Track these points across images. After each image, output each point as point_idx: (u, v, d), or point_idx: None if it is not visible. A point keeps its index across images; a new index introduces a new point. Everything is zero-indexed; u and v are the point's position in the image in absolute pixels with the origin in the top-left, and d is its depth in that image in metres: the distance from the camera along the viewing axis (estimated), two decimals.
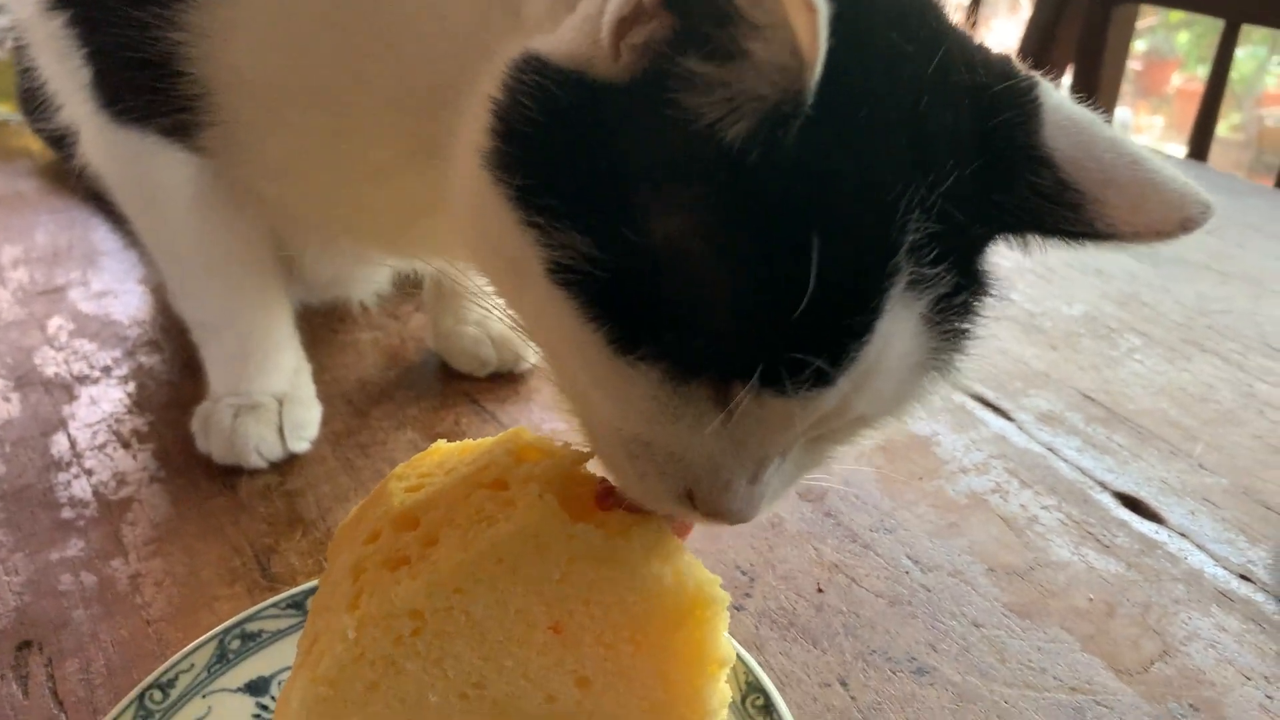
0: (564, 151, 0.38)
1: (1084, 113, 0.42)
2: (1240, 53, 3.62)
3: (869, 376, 0.38)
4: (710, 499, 0.40)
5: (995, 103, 0.41)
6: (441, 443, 0.49)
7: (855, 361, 0.36)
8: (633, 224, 0.36)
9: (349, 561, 0.44)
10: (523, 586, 0.42)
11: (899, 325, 0.37)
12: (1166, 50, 3.89)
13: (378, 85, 0.52)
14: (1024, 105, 0.41)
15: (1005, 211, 0.41)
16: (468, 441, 0.48)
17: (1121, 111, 3.69)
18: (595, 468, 0.45)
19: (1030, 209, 0.41)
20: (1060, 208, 0.40)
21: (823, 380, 0.36)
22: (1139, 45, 3.89)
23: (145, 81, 0.57)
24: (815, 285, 0.34)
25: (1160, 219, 0.40)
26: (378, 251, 0.75)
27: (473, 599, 0.42)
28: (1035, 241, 0.43)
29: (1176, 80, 3.88)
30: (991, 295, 0.45)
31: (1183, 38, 3.78)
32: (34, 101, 0.75)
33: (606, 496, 0.44)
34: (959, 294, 0.39)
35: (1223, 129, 3.61)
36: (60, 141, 0.77)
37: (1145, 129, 3.76)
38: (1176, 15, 3.74)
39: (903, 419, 0.45)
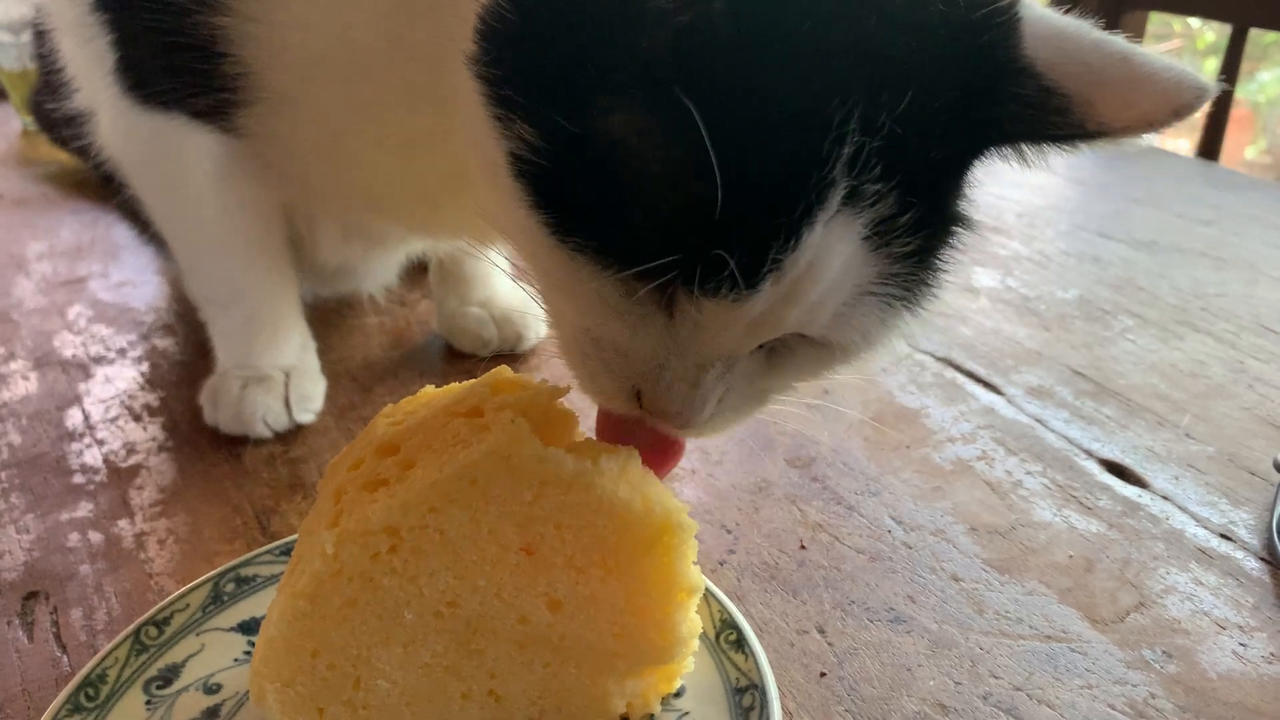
0: (524, 44, 0.40)
1: (1069, 21, 0.42)
2: (1265, 75, 3.61)
3: (801, 288, 0.39)
4: (653, 397, 0.43)
5: (973, 28, 0.41)
6: (429, 387, 0.51)
7: (780, 269, 0.38)
8: (571, 115, 0.38)
9: (332, 487, 0.46)
10: (495, 507, 0.43)
11: (835, 240, 0.38)
12: None
13: (417, 46, 0.54)
14: (1001, 24, 0.41)
15: (989, 127, 0.41)
16: (454, 385, 0.50)
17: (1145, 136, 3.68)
18: (569, 403, 0.47)
19: (1016, 120, 0.41)
20: (1047, 114, 0.40)
21: (747, 283, 0.38)
22: None
23: (184, 64, 0.60)
24: (735, 187, 0.35)
25: (1151, 108, 0.40)
26: (402, 228, 0.77)
27: (447, 518, 0.43)
28: (1030, 153, 0.43)
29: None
30: (967, 229, 0.46)
31: (1210, 65, 3.77)
32: (48, 108, 0.79)
33: (605, 428, 0.47)
34: (905, 215, 0.40)
35: (1250, 153, 3.60)
36: (74, 144, 0.80)
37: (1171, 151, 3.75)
38: (1203, 42, 3.75)
39: (863, 351, 0.46)
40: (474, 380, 0.49)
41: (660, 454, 0.49)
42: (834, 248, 0.39)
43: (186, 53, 0.59)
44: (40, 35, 0.82)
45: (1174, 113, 0.40)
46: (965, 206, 0.46)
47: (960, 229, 0.46)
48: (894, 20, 0.39)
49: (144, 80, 0.65)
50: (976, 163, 0.44)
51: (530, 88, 0.40)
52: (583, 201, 0.39)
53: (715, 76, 0.37)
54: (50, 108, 0.80)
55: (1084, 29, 0.42)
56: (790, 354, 0.45)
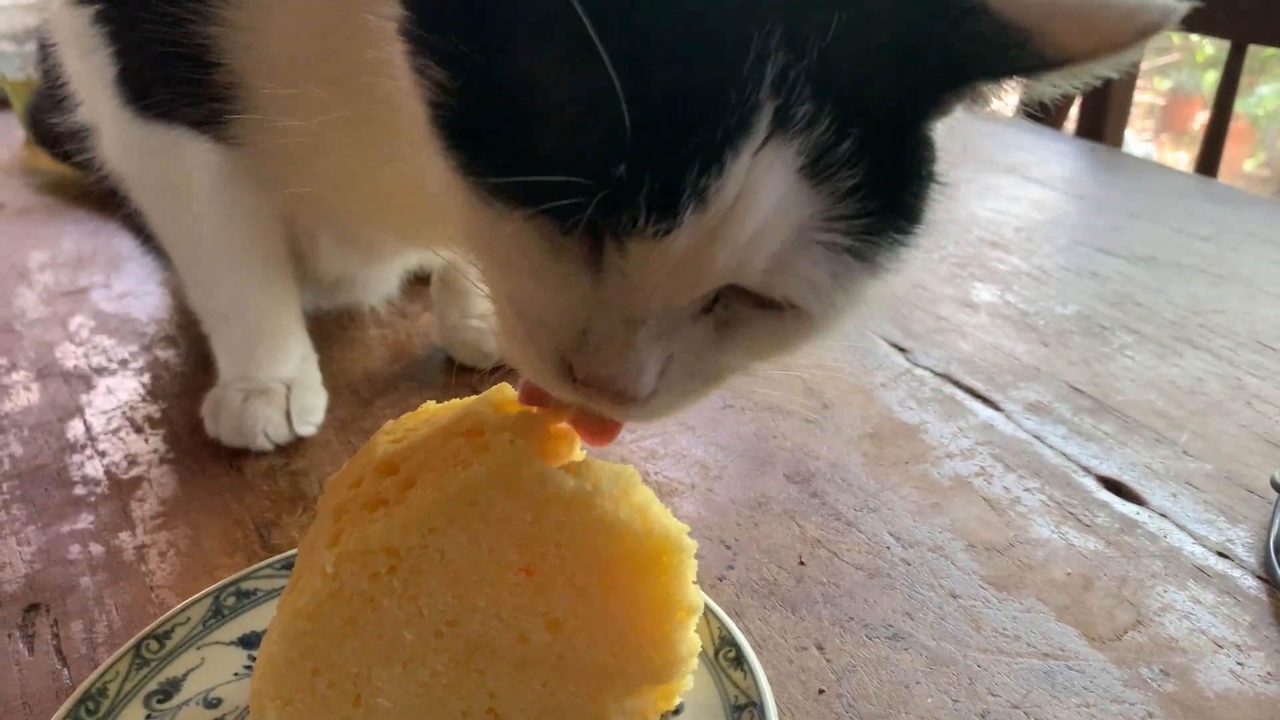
0: None
1: None
2: (1264, 89, 3.62)
3: (730, 223, 0.37)
4: (583, 364, 0.40)
5: None
6: (430, 403, 0.52)
7: (704, 197, 0.35)
8: (474, 44, 0.37)
9: (332, 505, 0.46)
10: (495, 527, 0.44)
11: (765, 170, 0.36)
12: (1191, 88, 3.90)
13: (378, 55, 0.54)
14: None
15: (944, 69, 0.39)
16: (454, 400, 0.51)
17: (1144, 146, 3.70)
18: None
19: (973, 59, 0.39)
20: (1005, 48, 0.38)
21: (663, 211, 0.35)
22: (1163, 84, 3.90)
23: (179, 74, 0.60)
24: (645, 109, 0.34)
25: (1113, 31, 0.38)
26: (395, 238, 0.78)
27: (446, 538, 0.44)
28: (991, 93, 0.41)
29: (1201, 118, 3.88)
30: (933, 186, 0.43)
31: (1209, 78, 3.79)
32: (51, 122, 0.79)
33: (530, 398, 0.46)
34: (843, 143, 0.37)
35: (1249, 166, 3.62)
36: (76, 158, 0.81)
37: (1169, 164, 3.77)
38: (1202, 55, 3.76)
39: (820, 315, 0.42)
40: (475, 397, 0.49)
41: (592, 430, 0.47)
42: (764, 178, 0.36)
43: (182, 62, 0.60)
44: (45, 49, 0.82)
45: (1139, 32, 0.38)
46: (932, 165, 0.43)
47: (925, 186, 0.42)
48: None
49: (143, 92, 0.65)
50: (937, 110, 0.41)
51: (436, 24, 0.39)
52: (493, 137, 0.38)
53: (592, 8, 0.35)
54: (53, 122, 0.80)
55: None
56: (743, 325, 0.43)
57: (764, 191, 0.36)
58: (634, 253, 0.37)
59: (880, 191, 0.39)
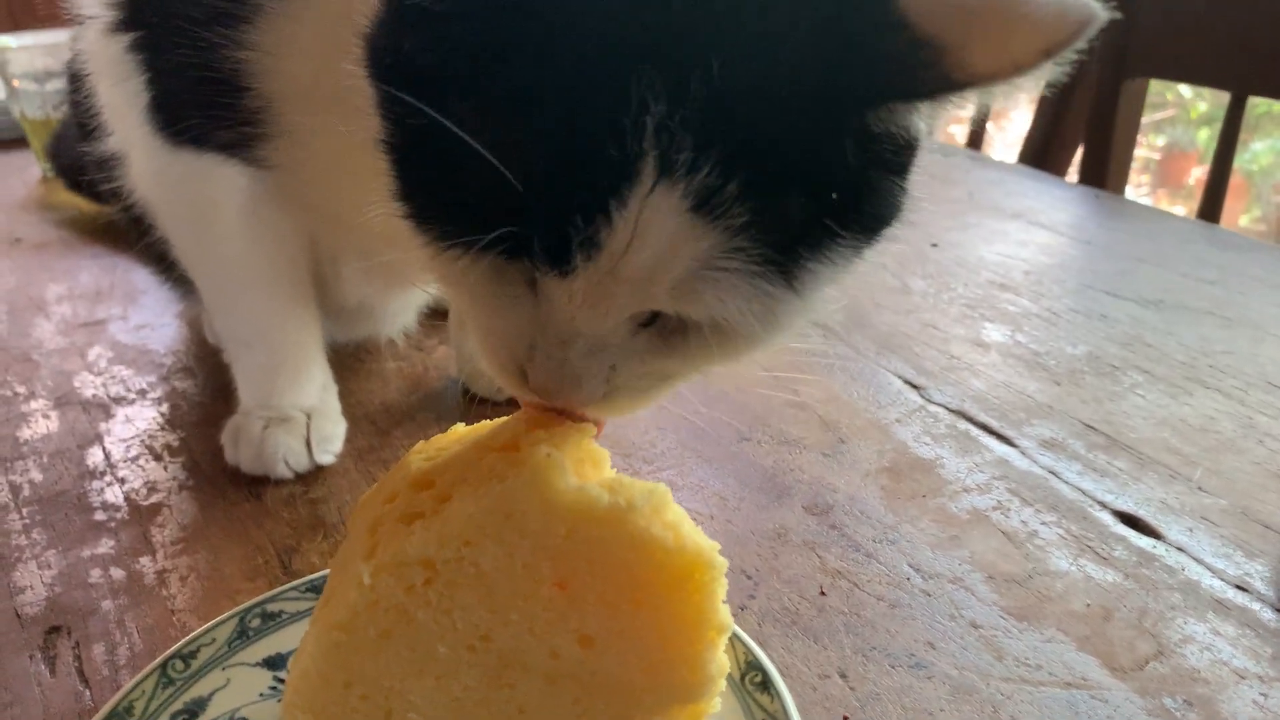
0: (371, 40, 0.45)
1: None
2: (1259, 145, 3.68)
3: (626, 262, 0.39)
4: (531, 376, 0.45)
5: None
6: (460, 425, 0.52)
7: (594, 243, 0.38)
8: (387, 109, 0.43)
9: (367, 520, 0.46)
10: (529, 541, 0.44)
11: (654, 213, 0.37)
12: (1186, 143, 3.95)
13: None
14: None
15: (856, 91, 0.39)
16: (485, 421, 0.51)
17: (1142, 200, 3.74)
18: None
19: (882, 80, 0.38)
20: (916, 68, 0.37)
21: (554, 259, 0.39)
22: (1158, 139, 3.96)
23: (210, 98, 0.62)
24: (527, 168, 0.37)
25: (1020, 51, 0.36)
26: (415, 263, 0.79)
27: (481, 551, 0.44)
28: (905, 113, 0.40)
29: (1197, 173, 3.93)
30: (891, 183, 0.42)
31: (1203, 134, 3.84)
32: (80, 150, 0.81)
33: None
34: (729, 184, 0.37)
35: (1245, 220, 3.66)
36: (104, 187, 0.82)
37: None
38: (1196, 111, 3.81)
39: (749, 332, 0.43)
40: (507, 417, 0.50)
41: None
42: (654, 220, 0.38)
43: (214, 87, 0.62)
44: (76, 80, 0.84)
45: (1043, 52, 0.36)
46: (883, 169, 0.42)
47: (871, 194, 0.42)
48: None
49: (175, 117, 0.67)
50: (861, 131, 0.40)
51: (377, 76, 0.43)
52: (418, 188, 0.43)
53: (482, 71, 0.39)
54: (82, 152, 0.82)
55: None
56: (681, 337, 0.45)
57: (655, 232, 0.38)
58: (548, 288, 0.41)
59: (787, 220, 0.40)
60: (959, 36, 0.37)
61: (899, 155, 0.43)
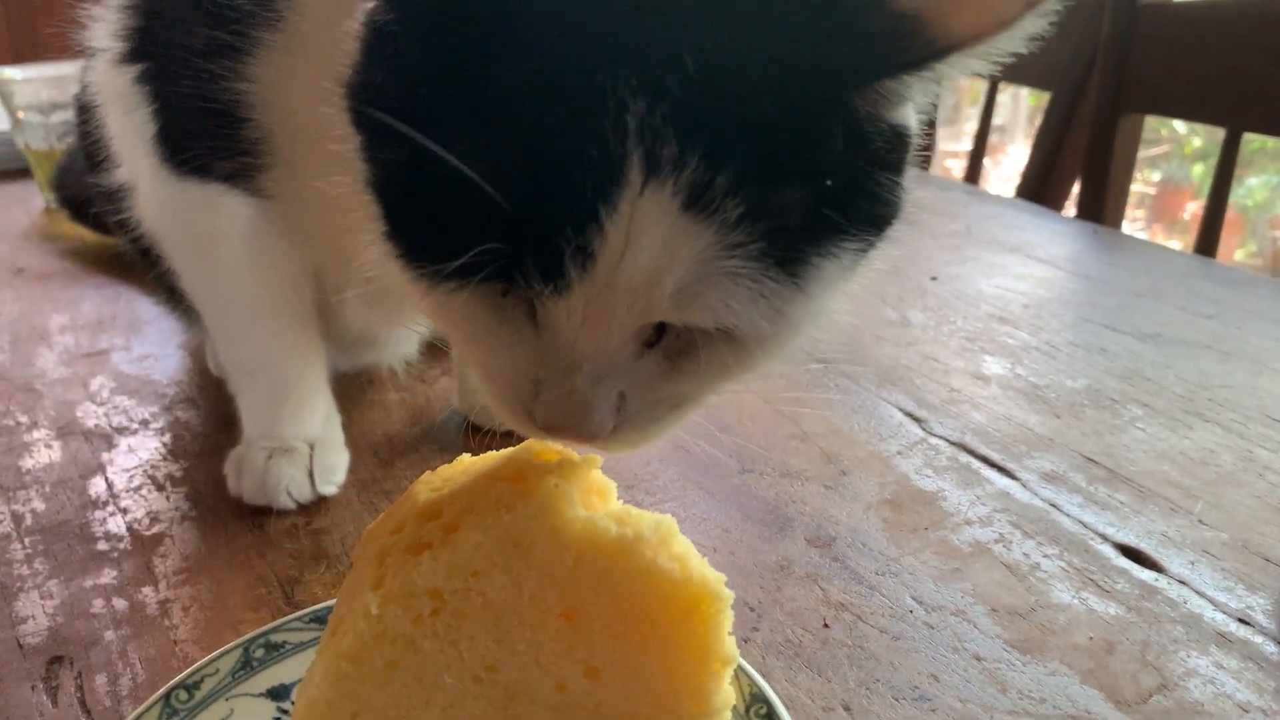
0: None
1: None
2: (1253, 180, 3.71)
3: (622, 273, 0.38)
4: (540, 413, 0.44)
5: None
6: (466, 455, 0.52)
7: (589, 256, 0.37)
8: (367, 143, 0.43)
9: (374, 550, 0.46)
10: (536, 571, 0.44)
11: (645, 215, 0.37)
12: (1181, 178, 3.98)
13: None
14: None
15: (842, 73, 0.39)
16: (491, 453, 0.51)
17: (1139, 235, 3.77)
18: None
19: (866, 57, 0.39)
20: (898, 40, 0.37)
21: (548, 276, 0.38)
22: (1154, 174, 3.99)
23: (211, 128, 0.63)
24: (514, 190, 0.37)
25: (1003, 5, 0.37)
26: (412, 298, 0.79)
27: (489, 581, 0.44)
28: (897, 91, 0.40)
29: (1192, 208, 3.96)
30: (887, 176, 0.42)
31: (1198, 169, 3.88)
32: (89, 181, 0.82)
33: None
34: (718, 178, 0.37)
35: (1240, 255, 3.68)
36: (112, 218, 0.83)
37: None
38: (1190, 147, 3.85)
39: (759, 336, 0.42)
40: (514, 448, 0.50)
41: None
42: (646, 223, 0.37)
43: (215, 117, 0.63)
44: (84, 112, 0.85)
45: (1026, 3, 0.37)
46: (878, 162, 0.42)
47: (868, 187, 0.42)
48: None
49: (180, 147, 0.68)
50: (850, 114, 0.40)
51: (352, 118, 0.44)
52: (406, 223, 0.43)
53: (455, 89, 0.39)
54: (90, 183, 0.83)
55: None
56: (689, 355, 0.44)
57: (648, 235, 0.37)
58: (547, 310, 0.40)
59: (784, 212, 0.39)
60: (937, 7, 0.37)
61: (891, 149, 0.43)
